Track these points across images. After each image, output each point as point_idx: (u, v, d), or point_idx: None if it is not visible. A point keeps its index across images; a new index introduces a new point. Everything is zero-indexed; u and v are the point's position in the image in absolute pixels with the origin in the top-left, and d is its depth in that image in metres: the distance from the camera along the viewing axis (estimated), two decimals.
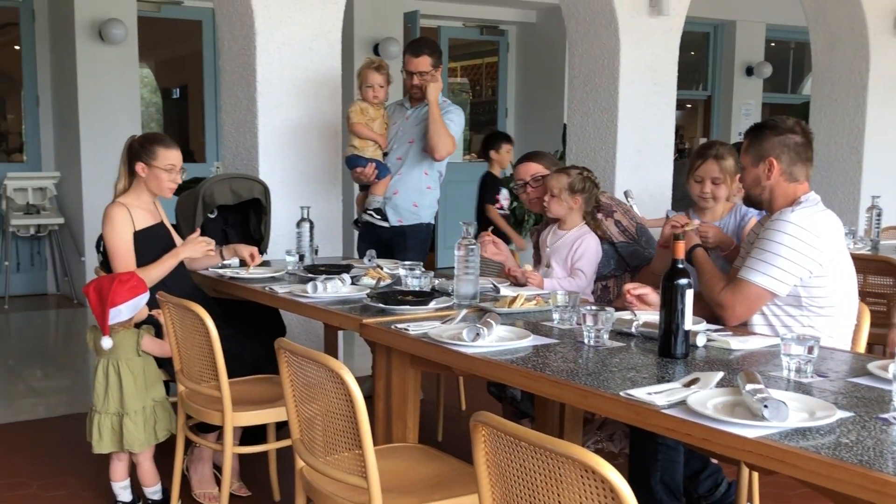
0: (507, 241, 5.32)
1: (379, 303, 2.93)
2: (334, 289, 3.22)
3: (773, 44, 10.41)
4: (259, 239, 4.30)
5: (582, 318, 2.46)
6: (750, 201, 2.85)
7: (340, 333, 4.48)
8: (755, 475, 2.87)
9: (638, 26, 5.43)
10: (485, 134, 5.46)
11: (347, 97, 5.05)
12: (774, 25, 10.01)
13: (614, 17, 5.36)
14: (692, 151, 10.46)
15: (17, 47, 7.69)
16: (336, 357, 4.26)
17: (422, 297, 3.00)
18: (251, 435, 3.39)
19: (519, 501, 1.67)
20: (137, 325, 3.20)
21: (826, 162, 6.36)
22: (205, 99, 8.29)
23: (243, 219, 4.32)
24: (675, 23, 5.59)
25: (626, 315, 2.66)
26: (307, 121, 4.68)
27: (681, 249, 2.32)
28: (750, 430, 1.73)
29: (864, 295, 3.63)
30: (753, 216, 3.19)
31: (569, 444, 1.54)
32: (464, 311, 2.77)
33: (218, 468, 3.44)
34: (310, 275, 3.52)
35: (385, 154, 4.47)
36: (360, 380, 2.16)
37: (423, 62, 4.39)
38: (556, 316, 2.70)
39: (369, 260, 3.97)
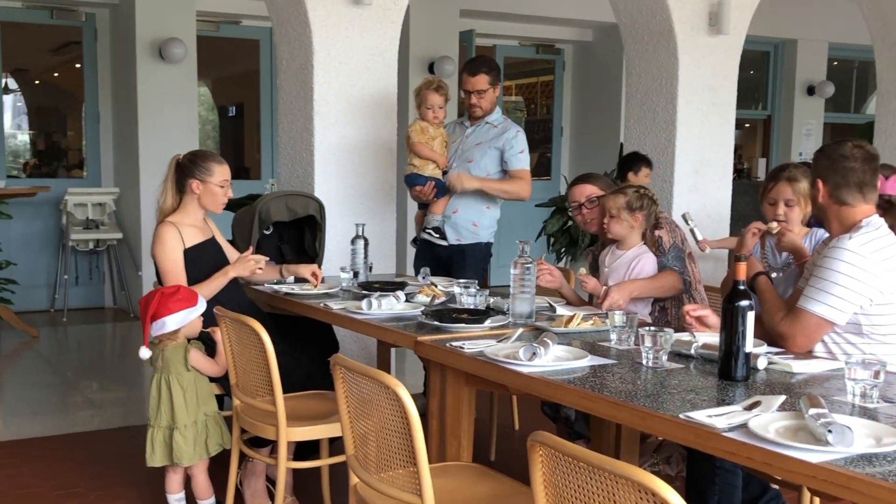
0: None
1: (434, 320, 2.95)
2: (389, 306, 3.24)
3: (835, 63, 10.27)
4: (313, 255, 4.35)
5: (640, 338, 2.45)
6: (817, 222, 2.83)
7: (393, 351, 4.51)
8: (816, 501, 2.82)
9: (697, 45, 5.41)
10: (625, 154, 5.33)
11: (403, 115, 5.11)
12: (837, 44, 9.87)
13: (673, 35, 5.35)
14: (750, 171, 10.37)
15: (78, 66, 7.90)
16: (388, 374, 4.31)
17: (477, 316, 3.01)
18: (303, 450, 3.42)
19: None
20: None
21: None
22: (261, 117, 8.42)
23: (298, 235, 4.38)
24: (735, 42, 5.56)
25: (685, 336, 2.64)
26: (363, 139, 4.73)
27: (742, 271, 2.31)
28: (814, 455, 1.70)
29: None
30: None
31: (627, 465, 1.54)
32: (520, 330, 2.78)
33: (271, 482, 3.48)
34: (364, 291, 3.55)
35: (444, 173, 4.50)
36: (414, 397, 2.17)
37: (481, 80, 4.42)
38: (613, 336, 2.69)
39: (423, 277, 3.99)
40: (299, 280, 3.87)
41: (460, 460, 2.74)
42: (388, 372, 4.30)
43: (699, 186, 5.47)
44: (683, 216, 4.93)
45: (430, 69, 8.10)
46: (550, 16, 8.66)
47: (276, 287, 3.77)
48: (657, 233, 3.49)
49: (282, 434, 2.95)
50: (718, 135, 5.57)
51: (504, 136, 4.41)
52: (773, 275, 3.06)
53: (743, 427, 1.87)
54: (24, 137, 10.20)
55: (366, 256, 4.00)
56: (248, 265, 3.56)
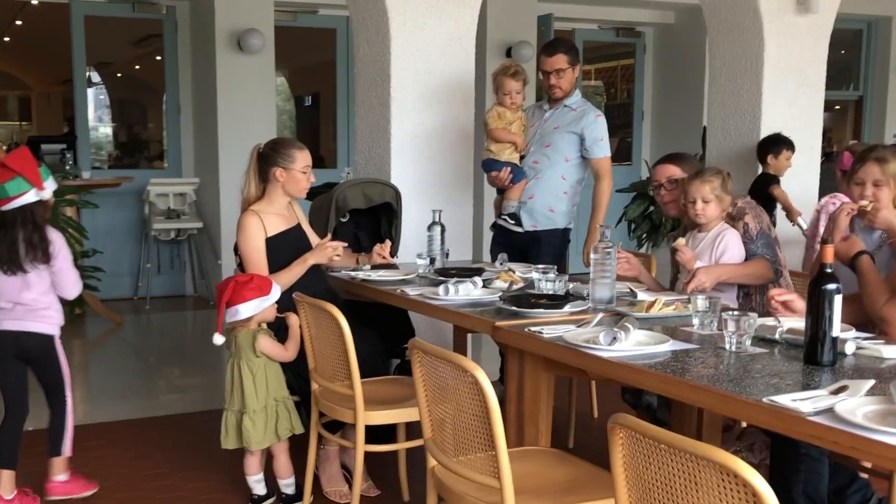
0: None
1: (512, 306, 2.97)
2: (466, 291, 3.28)
3: None
4: (391, 241, 4.41)
5: (723, 323, 2.44)
6: None
7: (469, 338, 4.54)
8: None
9: (784, 25, 5.30)
10: (765, 137, 5.27)
11: (480, 101, 5.13)
12: None
13: (758, 16, 5.25)
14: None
15: (159, 58, 8.12)
16: None
17: (556, 301, 3.02)
18: (380, 436, 3.48)
19: None
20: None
21: None
22: (337, 106, 8.54)
23: (375, 222, 4.45)
24: (825, 20, 5.43)
25: (769, 321, 2.61)
26: (440, 125, 4.77)
27: (830, 254, 2.27)
28: None
29: None
30: None
31: (709, 446, 1.54)
32: (600, 315, 2.78)
33: (346, 470, 3.56)
34: (441, 277, 3.59)
35: (522, 157, 4.51)
36: (492, 384, 2.20)
37: (559, 60, 4.43)
38: (696, 321, 2.68)
39: (500, 263, 4.01)
40: (376, 266, 3.93)
41: (538, 445, 2.76)
42: None
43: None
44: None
45: (508, 54, 8.10)
46: None
47: (352, 273, 3.84)
48: (745, 219, 3.45)
49: (359, 417, 3.01)
50: (806, 118, 5.46)
51: (583, 121, 4.41)
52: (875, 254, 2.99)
53: (829, 411, 1.85)
54: (106, 130, 10.56)
55: (442, 243, 4.04)
56: (326, 252, 3.60)
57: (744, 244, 3.44)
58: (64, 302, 3.47)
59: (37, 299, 3.33)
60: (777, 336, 2.50)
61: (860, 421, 1.78)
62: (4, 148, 7.69)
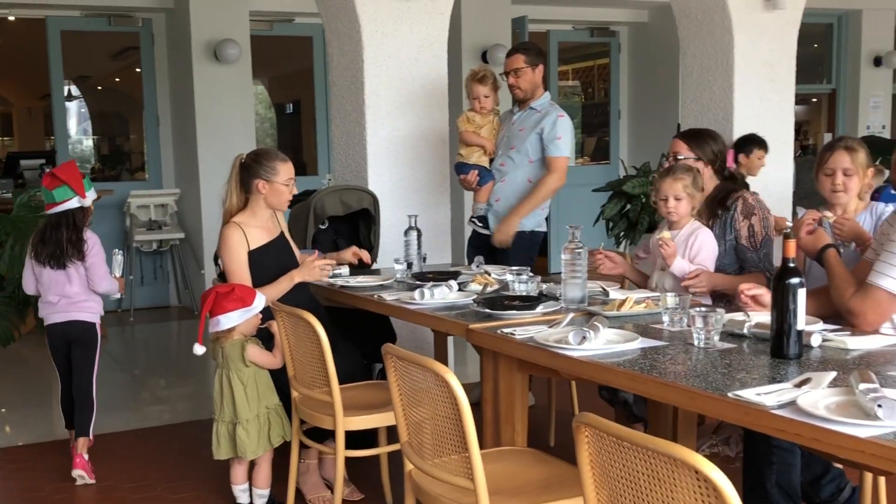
0: None
1: (486, 308, 2.99)
2: (442, 295, 3.29)
3: None
4: (369, 248, 4.42)
5: (692, 319, 2.46)
6: (894, 187, 2.76)
7: (451, 340, 4.56)
8: (881, 480, 2.80)
9: (752, 21, 5.35)
10: (738, 137, 5.31)
11: (455, 105, 5.15)
12: None
13: (727, 12, 5.30)
14: (815, 147, 10.20)
15: (137, 70, 8.11)
16: (446, 363, 4.37)
17: (529, 302, 3.04)
18: (363, 441, 3.49)
19: (624, 502, 1.70)
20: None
21: None
22: (316, 113, 8.54)
23: (353, 229, 4.46)
24: (793, 16, 5.48)
25: (738, 316, 2.64)
26: (415, 131, 4.80)
27: (792, 248, 2.29)
28: (862, 430, 1.71)
29: None
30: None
31: (670, 443, 1.56)
32: (571, 315, 2.80)
33: (328, 485, 3.57)
34: (417, 282, 3.60)
35: (492, 160, 4.54)
36: (472, 385, 2.22)
37: (516, 60, 4.48)
38: (665, 318, 2.70)
39: (477, 266, 4.03)
40: (354, 272, 3.94)
41: (515, 445, 2.78)
42: (446, 362, 4.39)
43: None
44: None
45: (484, 57, 8.12)
46: None
47: (331, 280, 3.85)
48: (751, 220, 3.45)
49: (339, 423, 3.02)
50: (778, 112, 5.50)
51: (544, 121, 4.44)
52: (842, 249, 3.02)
53: (792, 404, 1.88)
54: (88, 142, 10.55)
55: (419, 247, 4.04)
56: (314, 272, 3.56)
57: (744, 249, 3.44)
58: None
59: (78, 292, 3.92)
60: (745, 331, 2.53)
61: (822, 413, 1.80)
62: None
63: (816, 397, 1.90)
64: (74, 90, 9.51)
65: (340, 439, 3.04)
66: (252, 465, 3.40)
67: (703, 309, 2.46)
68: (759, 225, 3.45)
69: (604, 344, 2.47)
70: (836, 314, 2.74)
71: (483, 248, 4.52)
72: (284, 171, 3.54)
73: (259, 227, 3.55)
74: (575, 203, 8.47)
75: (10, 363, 5.95)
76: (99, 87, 10.72)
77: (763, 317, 2.56)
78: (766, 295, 2.77)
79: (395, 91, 4.72)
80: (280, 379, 3.37)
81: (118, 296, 4.27)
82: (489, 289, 3.44)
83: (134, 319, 7.54)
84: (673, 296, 2.71)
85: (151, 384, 5.65)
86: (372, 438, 3.43)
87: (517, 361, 2.73)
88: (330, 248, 4.30)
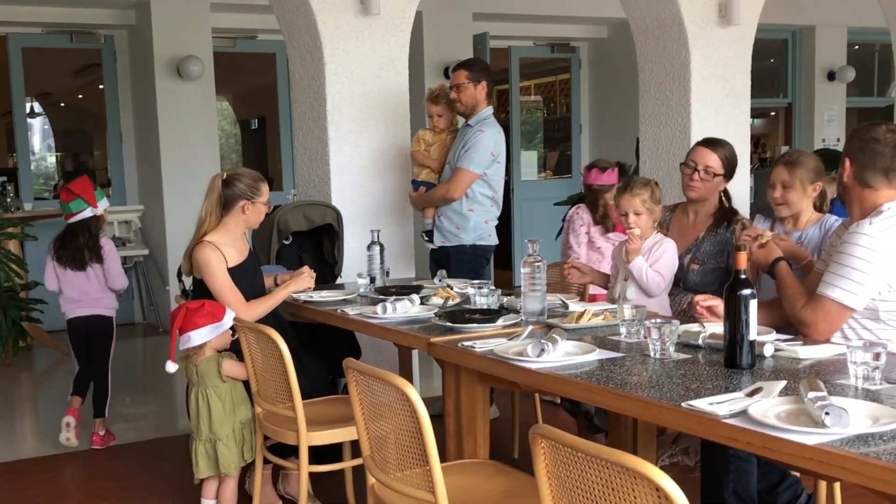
0: None
1: (446, 321, 3.01)
2: (404, 309, 3.31)
3: (856, 47, 10.21)
4: (333, 263, 4.43)
5: (647, 331, 2.49)
6: (841, 200, 2.82)
7: (416, 353, 4.57)
8: (836, 486, 2.84)
9: (708, 37, 5.42)
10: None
11: (419, 121, 5.17)
12: (856, 28, 9.81)
13: (683, 28, 5.37)
14: (773, 160, 10.36)
15: (100, 86, 8.05)
16: (411, 377, 4.38)
17: (489, 315, 3.06)
18: (328, 456, 3.49)
19: None
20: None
21: None
22: (280, 129, 8.54)
23: (317, 244, 4.47)
24: (747, 32, 5.56)
25: (693, 327, 2.67)
26: (377, 146, 4.83)
27: (742, 260, 2.33)
28: (810, 438, 1.75)
29: None
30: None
31: (623, 453, 1.58)
32: (530, 328, 2.82)
33: (290, 496, 3.56)
34: (380, 296, 3.61)
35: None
36: (437, 398, 2.23)
37: (459, 75, 4.55)
38: (623, 330, 2.73)
39: (440, 280, 4.05)
40: (318, 287, 3.94)
41: (477, 458, 2.79)
42: (410, 376, 4.40)
43: None
44: None
45: (446, 73, 8.16)
46: (564, 14, 8.69)
47: (295, 295, 3.84)
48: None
49: (302, 438, 3.02)
50: (734, 126, 5.57)
51: (468, 134, 4.52)
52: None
53: (743, 413, 1.91)
54: (52, 159, 10.42)
55: (382, 262, 4.06)
56: (305, 280, 3.68)
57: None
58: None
59: (97, 289, 4.54)
60: (700, 342, 2.56)
61: (772, 421, 1.84)
62: None
63: (767, 406, 1.94)
64: (37, 107, 9.41)
65: (304, 454, 3.03)
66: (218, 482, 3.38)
67: (658, 320, 2.49)
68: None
69: (562, 356, 2.50)
70: (788, 324, 2.79)
71: (435, 261, 4.62)
72: (265, 191, 3.59)
73: (232, 246, 3.55)
74: (538, 217, 8.54)
75: None
76: (62, 104, 10.63)
77: (718, 328, 2.59)
78: (720, 306, 2.80)
79: (357, 108, 4.74)
80: None
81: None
82: (451, 302, 3.46)
83: None
84: (630, 307, 2.74)
85: (116, 402, 5.55)
86: (336, 453, 3.43)
87: (478, 374, 2.74)
88: (294, 263, 4.30)
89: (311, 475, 3.26)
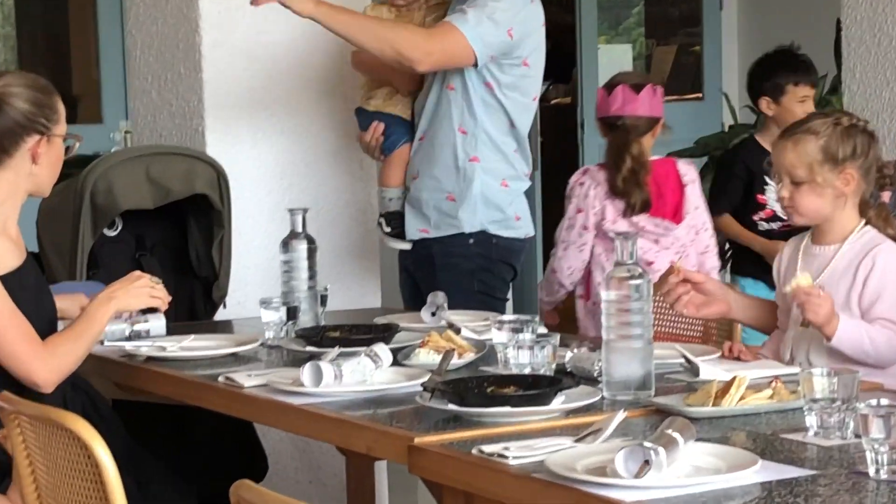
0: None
1: (448, 401, 3.01)
2: (359, 376, 3.32)
3: None
4: (211, 275, 4.45)
5: (864, 423, 2.48)
6: None
7: (382, 467, 4.58)
8: None
9: None
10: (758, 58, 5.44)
11: None
12: None
13: None
14: None
15: None
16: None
17: (535, 389, 3.07)
18: None
19: None
20: None
21: None
22: (98, 5, 8.60)
23: (175, 236, 4.49)
24: None
25: None
26: (295, 44, 5.01)
27: None
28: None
29: None
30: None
31: None
32: (621, 415, 2.82)
33: None
34: (309, 348, 3.62)
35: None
36: None
37: None
38: (812, 419, 2.73)
39: (433, 314, 4.05)
40: (177, 327, 3.95)
41: None
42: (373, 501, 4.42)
43: None
44: None
45: None
46: None
47: (125, 346, 3.84)
48: None
49: None
50: None
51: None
52: None
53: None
54: None
55: (312, 275, 4.07)
56: (141, 295, 3.67)
57: None
58: None
59: None
60: None
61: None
62: None
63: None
64: None
65: None
66: None
67: (885, 402, 2.48)
68: None
69: (688, 474, 2.50)
70: None
71: (409, 272, 4.80)
72: (62, 112, 3.62)
73: (5, 236, 3.58)
74: None
75: None
76: None
77: None
78: None
79: None
80: None
81: None
82: (456, 361, 3.46)
83: None
84: (824, 374, 2.74)
85: None
86: None
87: None
88: (127, 269, 4.28)
89: None
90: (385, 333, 3.75)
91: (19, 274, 3.56)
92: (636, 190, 4.65)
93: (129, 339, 3.91)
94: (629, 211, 4.70)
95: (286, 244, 4.10)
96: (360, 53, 4.72)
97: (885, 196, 3.64)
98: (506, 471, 2.65)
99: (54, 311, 3.69)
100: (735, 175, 5.86)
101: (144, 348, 3.83)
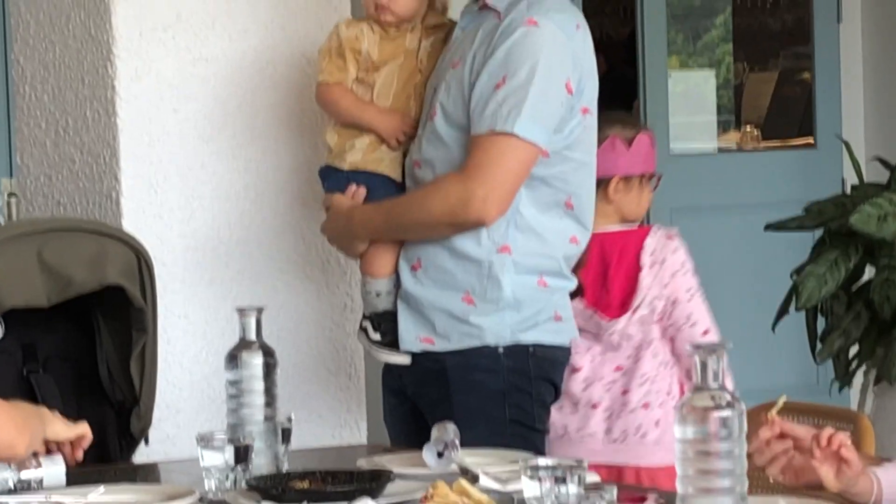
0: None
1: None
2: None
3: None
4: (121, 401, 4.45)
5: None
6: None
7: None
8: None
9: None
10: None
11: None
12: None
13: None
14: None
15: None
16: None
17: None
18: None
19: None
20: None
21: None
22: None
23: (77, 346, 4.50)
24: None
25: None
26: (244, 75, 5.11)
27: None
28: None
29: None
30: None
31: None
32: None
33: None
34: (265, 501, 3.62)
35: (406, 155, 4.86)
36: None
37: None
38: None
39: (440, 454, 4.07)
40: (82, 475, 3.96)
41: None
42: None
43: None
44: None
45: None
46: None
47: (9, 502, 3.84)
48: None
49: None
50: None
51: (494, 36, 4.67)
52: None
53: None
54: None
55: (270, 400, 4.08)
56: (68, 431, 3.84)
57: None
58: None
59: None
60: None
61: None
62: None
63: None
64: None
65: None
66: None
67: None
68: None
69: None
70: None
71: (422, 396, 4.78)
72: None
73: None
74: (714, 251, 8.71)
75: None
76: None
77: None
78: None
79: None
80: None
81: None
82: None
83: None
84: None
85: None
86: None
87: None
88: (14, 392, 4.31)
89: None
90: (372, 483, 3.75)
91: None
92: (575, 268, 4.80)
93: (13, 490, 3.93)
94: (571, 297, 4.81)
95: (234, 357, 4.12)
96: (329, 86, 4.79)
97: None
98: None
99: None
100: None
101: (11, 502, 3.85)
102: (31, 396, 4.40)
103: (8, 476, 3.89)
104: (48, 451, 3.96)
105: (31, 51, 5.33)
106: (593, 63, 4.71)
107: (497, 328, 4.65)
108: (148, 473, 4.18)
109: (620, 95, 9.98)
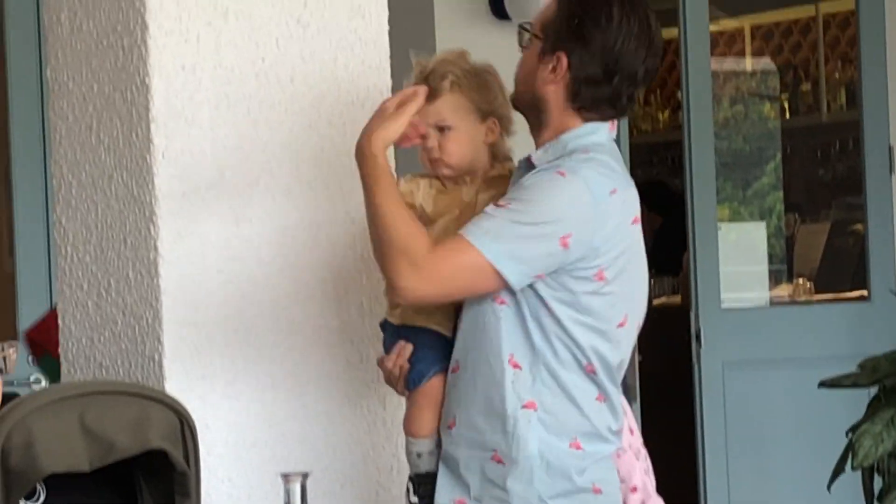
0: None
1: None
2: None
3: None
4: None
5: None
6: None
7: None
8: None
9: None
10: None
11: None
12: None
13: None
14: None
15: None
16: None
17: None
18: None
19: None
20: None
21: None
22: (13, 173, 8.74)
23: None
24: None
25: None
26: (292, 234, 5.16)
27: None
28: None
29: None
30: None
31: None
32: None
33: None
34: None
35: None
36: None
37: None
38: None
39: None
40: None
41: None
42: None
43: None
44: None
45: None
46: None
47: None
48: None
49: None
50: None
51: (524, 180, 4.68)
52: None
53: None
54: None
55: None
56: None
57: None
58: None
59: None
60: None
61: None
62: None
63: None
64: None
65: None
66: None
67: None
68: None
69: None
70: None
71: None
72: None
73: None
74: (767, 407, 8.72)
75: None
76: None
77: None
78: None
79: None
80: None
81: None
82: None
83: None
84: None
85: None
86: None
87: None
88: None
89: None
90: None
91: None
92: None
93: None
94: None
95: None
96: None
97: None
98: None
99: None
100: None
101: None
102: None
103: None
104: None
105: (74, 211, 5.41)
106: (630, 232, 4.65)
107: (525, 493, 4.57)
108: None
109: (670, 250, 10.01)
